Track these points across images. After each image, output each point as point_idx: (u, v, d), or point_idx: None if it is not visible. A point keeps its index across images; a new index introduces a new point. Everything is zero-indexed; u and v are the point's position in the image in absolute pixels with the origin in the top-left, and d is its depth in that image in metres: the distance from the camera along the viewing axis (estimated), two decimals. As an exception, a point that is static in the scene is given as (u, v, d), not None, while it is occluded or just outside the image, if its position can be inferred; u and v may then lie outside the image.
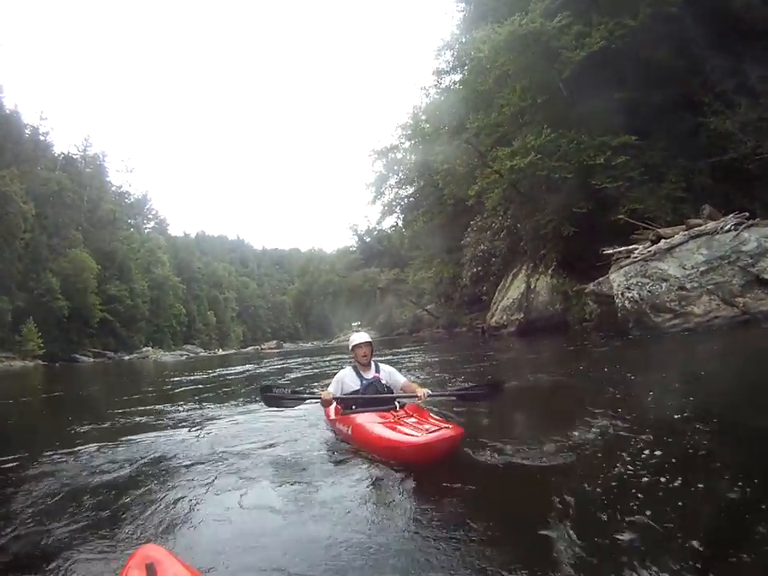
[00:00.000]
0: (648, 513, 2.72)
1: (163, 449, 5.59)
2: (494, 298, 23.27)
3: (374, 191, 39.26)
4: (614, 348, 11.56)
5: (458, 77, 28.92)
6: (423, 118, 31.32)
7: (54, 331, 50.97)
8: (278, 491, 3.95)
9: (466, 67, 25.87)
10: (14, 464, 5.44)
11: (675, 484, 3.11)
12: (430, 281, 37.03)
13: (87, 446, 6.00)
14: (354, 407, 5.26)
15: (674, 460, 3.55)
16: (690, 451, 3.78)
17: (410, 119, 33.32)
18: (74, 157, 69.91)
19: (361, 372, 5.58)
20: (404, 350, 20.67)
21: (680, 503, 2.85)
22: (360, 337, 5.72)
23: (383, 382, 5.49)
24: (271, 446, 5.28)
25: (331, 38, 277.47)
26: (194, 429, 6.70)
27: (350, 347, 5.73)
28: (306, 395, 5.88)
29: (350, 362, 5.86)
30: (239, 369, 21.07)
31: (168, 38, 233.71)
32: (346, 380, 5.55)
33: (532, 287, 20.75)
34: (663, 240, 12.50)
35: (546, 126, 17.75)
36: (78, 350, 53.94)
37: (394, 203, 39.54)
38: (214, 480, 4.25)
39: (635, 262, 12.44)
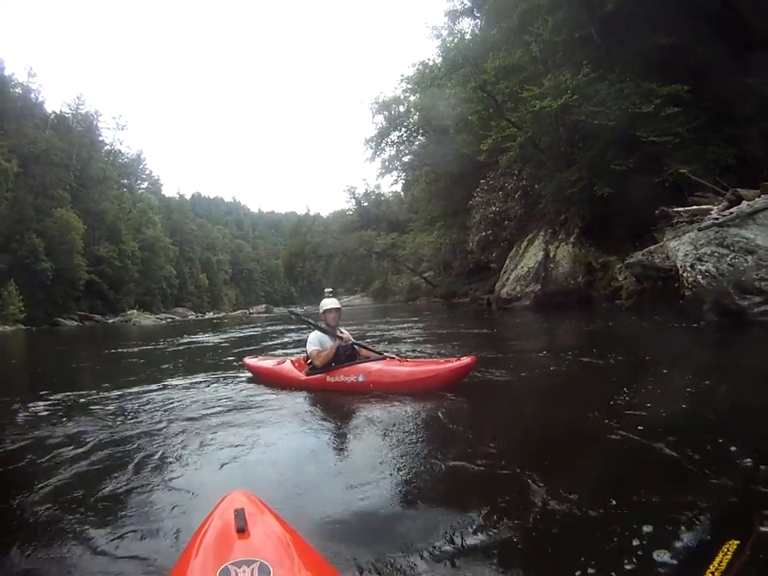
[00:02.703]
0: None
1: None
2: (505, 266, 20.58)
3: (374, 147, 36.24)
4: (677, 336, 9.00)
5: (473, 22, 26.09)
6: (432, 62, 28.34)
7: (38, 294, 48.24)
8: (320, 442, 4.26)
9: (484, 6, 22.79)
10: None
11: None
12: (430, 246, 34.85)
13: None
14: (333, 365, 5.84)
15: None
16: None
17: (418, 67, 30.28)
18: (66, 115, 66.28)
19: (330, 334, 6.05)
20: (400, 322, 17.95)
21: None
22: (331, 302, 6.19)
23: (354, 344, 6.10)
24: (257, 408, 5.35)
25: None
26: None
27: (321, 311, 6.17)
28: (327, 330, 6.10)
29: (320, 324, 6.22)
30: (209, 337, 18.72)
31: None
32: (324, 340, 6.00)
33: (551, 256, 18.12)
34: (746, 202, 9.76)
35: (587, 63, 14.93)
36: (64, 314, 51.40)
37: (396, 159, 36.43)
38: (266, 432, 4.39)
39: (707, 227, 9.69)
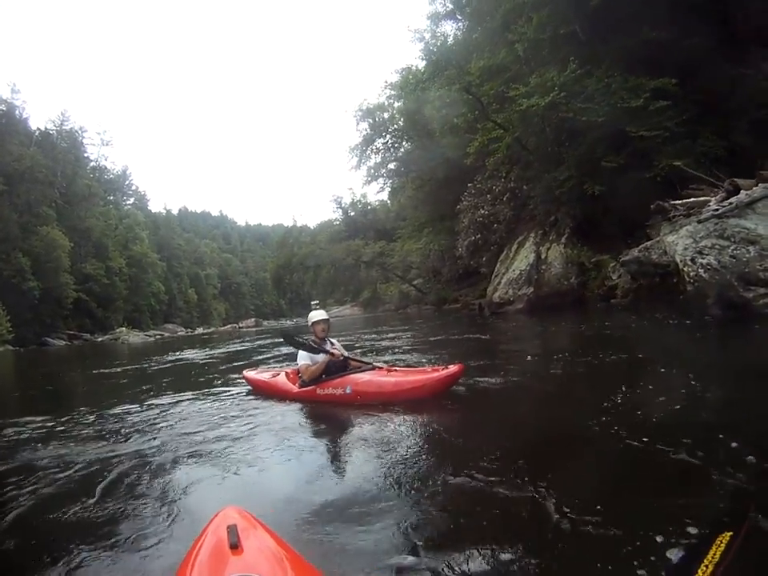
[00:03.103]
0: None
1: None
2: (496, 270, 20.17)
3: (359, 154, 35.82)
4: (684, 333, 8.64)
5: (456, 25, 25.82)
6: (415, 67, 28.06)
7: (26, 314, 47.34)
8: (311, 456, 4.24)
9: (466, 8, 22.53)
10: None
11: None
12: (418, 253, 34.40)
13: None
14: (323, 377, 5.95)
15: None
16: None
17: (402, 73, 29.95)
18: (51, 132, 65.77)
19: (319, 345, 6.13)
20: (391, 331, 17.59)
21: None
22: (319, 314, 6.33)
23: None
24: (251, 426, 5.26)
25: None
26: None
27: (310, 323, 6.35)
28: (318, 348, 6.11)
29: (309, 338, 6.33)
30: (196, 354, 18.18)
31: (147, 11, 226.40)
32: (312, 354, 6.06)
33: (542, 258, 17.73)
34: (744, 192, 9.43)
35: (573, 59, 14.65)
36: (52, 333, 50.64)
37: (381, 167, 36.02)
38: (260, 449, 4.41)
39: (706, 219, 9.35)
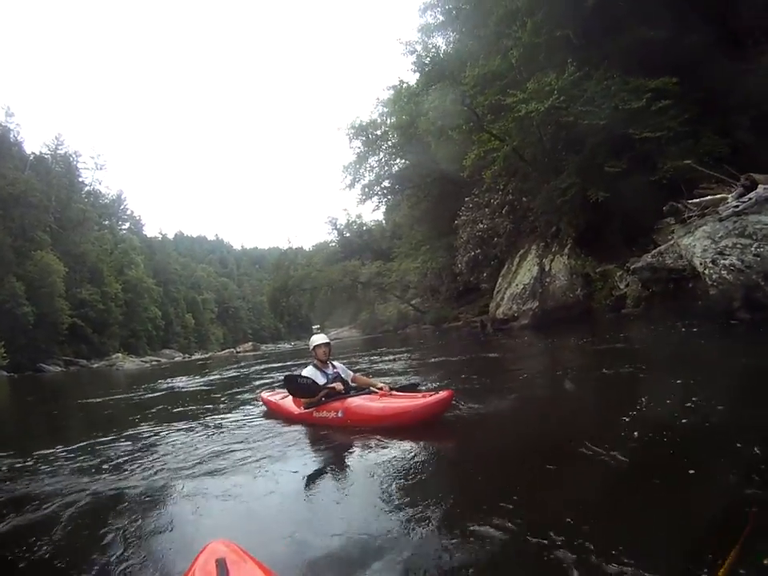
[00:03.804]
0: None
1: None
2: (498, 285, 19.49)
3: (353, 173, 35.08)
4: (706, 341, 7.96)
5: (447, 37, 25.36)
6: (406, 84, 27.54)
7: (20, 339, 46.31)
8: (302, 486, 4.13)
9: (457, 19, 22.12)
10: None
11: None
12: (416, 271, 33.75)
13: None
14: (323, 399, 6.01)
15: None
16: None
17: (393, 88, 29.45)
18: (45, 156, 65.42)
19: (321, 368, 6.39)
20: (391, 353, 16.76)
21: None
22: (321, 338, 6.58)
23: (342, 376, 6.38)
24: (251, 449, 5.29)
25: (304, 21, 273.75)
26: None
27: (311, 347, 6.60)
28: (320, 387, 6.07)
29: (311, 361, 6.61)
30: (189, 381, 17.28)
31: (139, 35, 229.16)
32: (315, 377, 6.18)
33: (546, 270, 17.04)
34: (762, 186, 8.79)
35: (571, 62, 14.14)
36: (47, 359, 49.78)
37: (375, 185, 35.33)
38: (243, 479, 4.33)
39: (727, 217, 8.70)
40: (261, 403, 7.93)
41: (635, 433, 3.92)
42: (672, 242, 10.61)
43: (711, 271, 8.58)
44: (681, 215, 10.92)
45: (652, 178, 13.78)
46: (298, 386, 6.17)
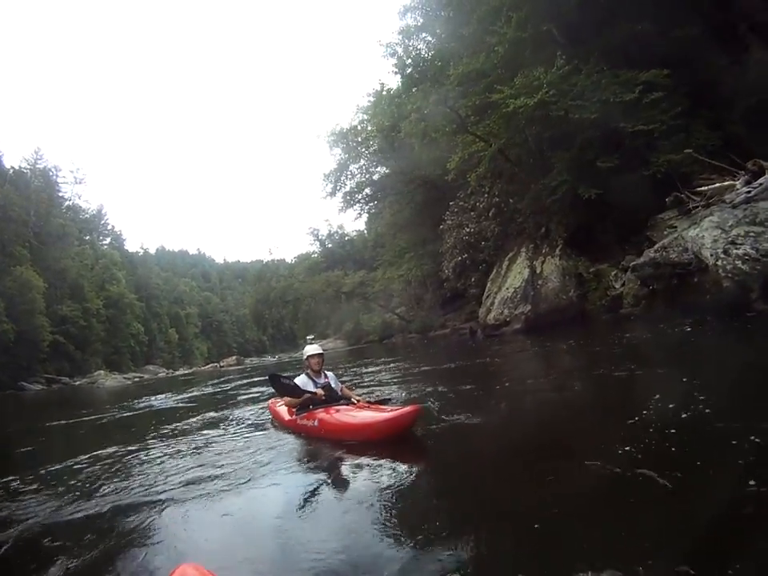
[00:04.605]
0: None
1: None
2: (487, 290, 18.95)
3: (333, 181, 34.48)
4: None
5: (429, 38, 24.85)
6: (387, 89, 27.10)
7: (1, 357, 45.09)
8: (271, 497, 4.20)
9: (440, 15, 21.67)
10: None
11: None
12: (400, 280, 33.20)
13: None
14: (311, 407, 6.12)
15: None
16: None
17: (372, 96, 29.11)
18: (24, 171, 64.42)
19: (314, 378, 6.50)
20: (376, 364, 16.22)
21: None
22: (314, 349, 6.74)
23: (332, 385, 6.47)
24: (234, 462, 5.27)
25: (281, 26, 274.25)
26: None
27: (305, 357, 6.73)
28: (301, 390, 6.25)
29: (305, 371, 6.65)
30: (168, 398, 16.43)
31: (118, 49, 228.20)
32: (307, 386, 6.32)
33: (537, 272, 16.55)
34: (771, 172, 8.32)
35: (561, 54, 13.73)
36: (29, 377, 48.38)
37: (357, 192, 34.73)
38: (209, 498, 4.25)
39: (740, 203, 8.21)
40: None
41: (632, 437, 3.77)
42: (676, 234, 10.13)
43: (724, 262, 8.10)
44: (684, 206, 10.42)
45: (645, 172, 13.49)
46: (281, 385, 6.37)
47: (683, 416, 4.07)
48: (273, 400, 7.95)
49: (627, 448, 3.61)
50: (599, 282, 15.33)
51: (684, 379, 5.16)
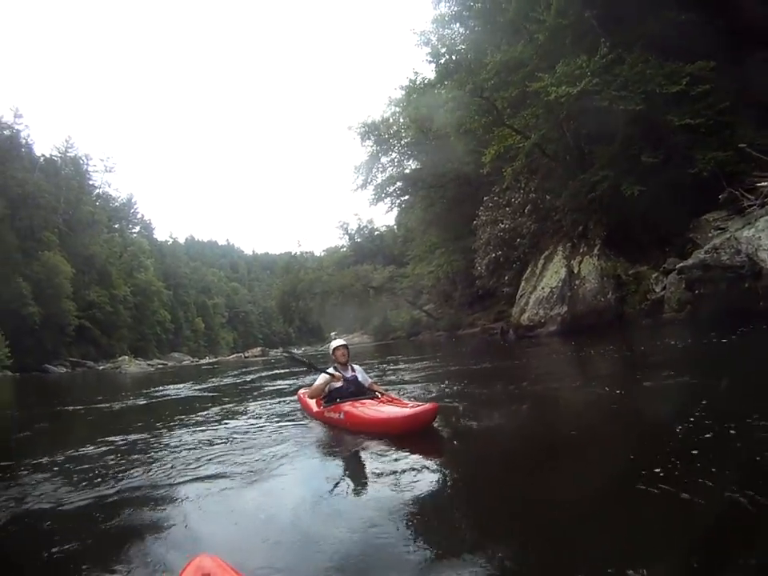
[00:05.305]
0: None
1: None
2: (522, 289, 18.30)
3: (365, 173, 34.09)
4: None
5: (463, 27, 24.16)
6: (421, 77, 26.53)
7: (26, 339, 46.08)
8: (292, 489, 4.09)
9: (475, 5, 20.96)
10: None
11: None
12: (430, 276, 32.83)
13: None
14: (338, 399, 6.15)
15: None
16: None
17: (407, 86, 28.48)
18: (55, 159, 65.13)
19: (340, 371, 6.49)
20: (405, 360, 15.78)
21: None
22: (338, 341, 6.83)
23: (359, 378, 6.49)
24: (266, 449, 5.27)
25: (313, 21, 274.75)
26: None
27: (331, 350, 6.75)
28: (319, 367, 6.78)
29: (332, 364, 6.64)
30: (186, 387, 15.87)
31: (154, 42, 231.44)
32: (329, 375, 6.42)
33: (575, 272, 15.86)
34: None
35: (604, 42, 13.06)
36: (54, 360, 49.39)
37: (388, 185, 34.20)
38: (234, 485, 4.20)
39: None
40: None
41: (657, 448, 3.72)
42: (728, 235, 9.45)
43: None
44: (737, 205, 9.71)
45: (691, 170, 12.80)
46: (294, 360, 7.43)
47: (712, 427, 3.86)
48: (303, 391, 8.00)
49: (651, 457, 3.47)
50: (638, 284, 14.70)
51: (724, 392, 4.81)
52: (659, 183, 13.06)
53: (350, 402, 5.98)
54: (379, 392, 6.36)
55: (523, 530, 2.87)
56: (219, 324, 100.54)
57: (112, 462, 5.49)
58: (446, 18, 22.76)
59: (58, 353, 51.44)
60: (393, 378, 10.97)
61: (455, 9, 22.29)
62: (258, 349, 60.77)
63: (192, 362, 58.04)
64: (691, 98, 12.79)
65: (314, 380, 6.74)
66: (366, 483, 4.07)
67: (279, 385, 12.28)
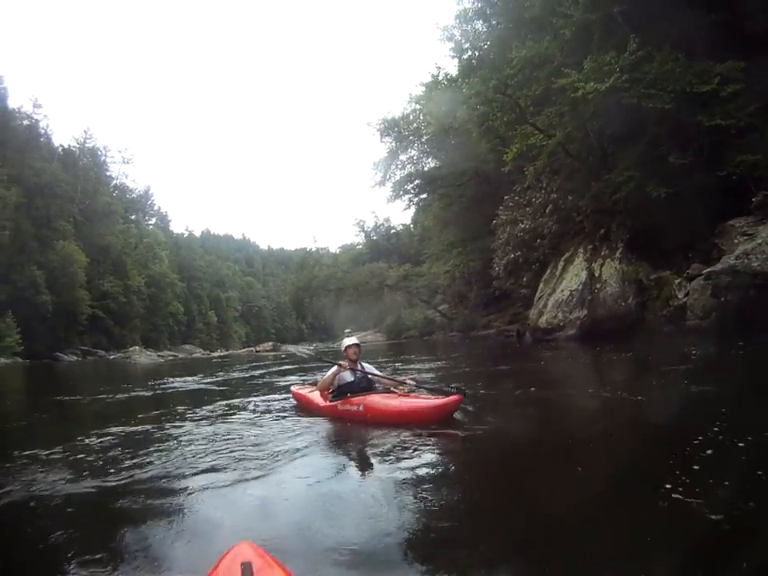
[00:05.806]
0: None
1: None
2: (540, 291, 17.95)
3: (383, 169, 34.00)
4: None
5: (487, 23, 23.83)
6: (444, 72, 26.21)
7: (38, 327, 46.24)
8: (332, 484, 3.97)
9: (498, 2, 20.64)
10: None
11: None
12: (446, 276, 32.75)
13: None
14: (348, 394, 6.27)
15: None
16: None
17: (428, 82, 28.26)
18: (73, 149, 65.92)
19: (351, 367, 6.59)
20: (421, 360, 15.41)
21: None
22: (351, 340, 6.89)
23: (369, 375, 6.60)
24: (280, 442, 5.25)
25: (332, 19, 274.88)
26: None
27: (343, 348, 6.82)
28: (325, 360, 7.87)
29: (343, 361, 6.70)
30: (192, 380, 15.42)
31: (173, 34, 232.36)
32: (342, 374, 6.55)
33: (596, 276, 15.45)
34: None
35: (635, 37, 12.68)
36: (65, 348, 49.62)
37: (407, 182, 33.94)
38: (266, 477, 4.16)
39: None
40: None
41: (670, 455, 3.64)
42: (759, 240, 9.09)
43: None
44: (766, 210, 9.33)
45: (720, 173, 12.41)
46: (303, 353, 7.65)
47: (726, 438, 3.78)
48: (296, 387, 8.19)
49: (660, 465, 3.50)
50: (660, 290, 14.30)
51: (743, 403, 4.89)
52: (686, 186, 12.68)
53: (370, 395, 6.06)
54: (393, 386, 6.41)
55: (524, 530, 2.87)
56: (232, 318, 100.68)
57: (119, 453, 5.34)
58: (469, 14, 22.47)
59: (70, 341, 51.84)
60: (405, 378, 10.62)
61: (478, 5, 21.97)
62: (270, 343, 60.50)
63: (203, 354, 57.97)
64: (721, 99, 12.42)
65: (323, 375, 6.84)
66: (377, 478, 4.06)
67: (291, 380, 11.86)
